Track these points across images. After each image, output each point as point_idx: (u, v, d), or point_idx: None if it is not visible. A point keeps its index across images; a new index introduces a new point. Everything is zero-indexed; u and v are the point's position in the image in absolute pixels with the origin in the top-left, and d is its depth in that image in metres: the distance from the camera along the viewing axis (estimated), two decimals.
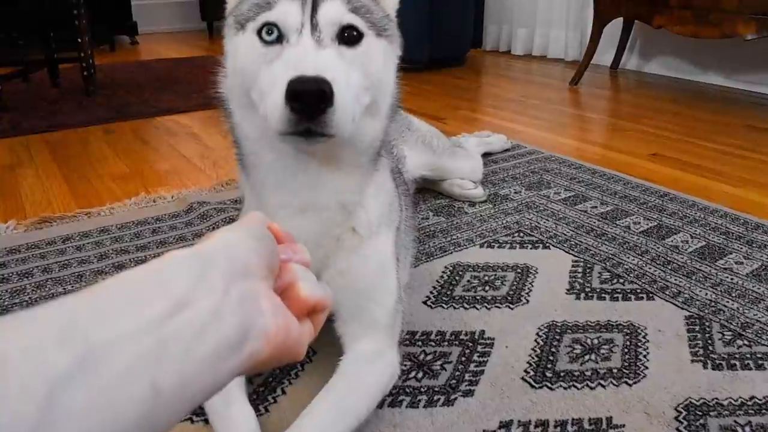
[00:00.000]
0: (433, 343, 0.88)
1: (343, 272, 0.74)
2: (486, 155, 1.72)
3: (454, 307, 0.98)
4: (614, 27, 2.91)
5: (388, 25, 0.70)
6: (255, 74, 0.63)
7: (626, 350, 0.87)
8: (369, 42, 0.66)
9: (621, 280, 1.06)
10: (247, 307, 0.34)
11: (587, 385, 0.80)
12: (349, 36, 0.64)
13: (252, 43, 0.64)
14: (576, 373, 0.82)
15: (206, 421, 0.73)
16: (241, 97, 0.67)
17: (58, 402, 0.24)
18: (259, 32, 0.64)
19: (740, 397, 0.77)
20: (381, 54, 0.68)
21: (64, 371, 0.25)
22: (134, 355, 0.27)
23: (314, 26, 0.62)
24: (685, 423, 0.73)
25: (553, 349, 0.87)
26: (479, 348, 0.87)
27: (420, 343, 0.89)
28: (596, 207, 1.39)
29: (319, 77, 0.55)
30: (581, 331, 0.92)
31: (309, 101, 0.55)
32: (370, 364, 0.74)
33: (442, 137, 1.46)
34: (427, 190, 1.48)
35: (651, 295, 1.02)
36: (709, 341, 0.89)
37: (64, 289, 1.05)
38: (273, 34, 0.63)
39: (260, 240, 0.39)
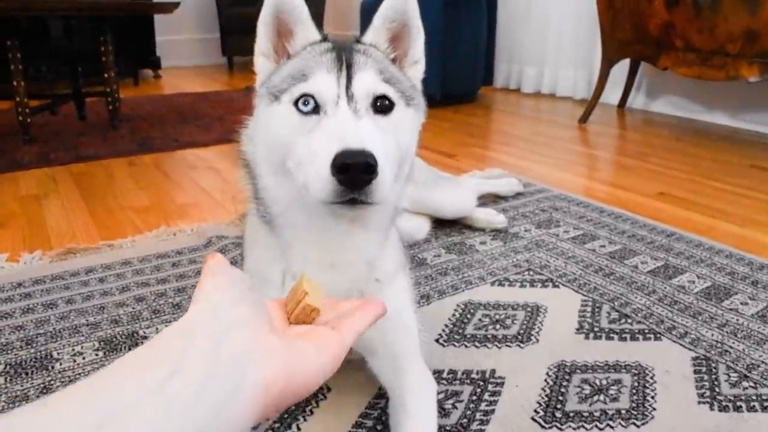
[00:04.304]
0: (444, 382, 0.91)
1: None
2: (496, 196, 1.76)
3: (466, 346, 1.01)
4: (621, 67, 2.99)
5: (414, 95, 0.73)
6: (292, 144, 0.65)
7: (634, 391, 0.89)
8: (400, 111, 0.68)
9: (629, 320, 1.09)
10: (239, 361, 0.38)
11: (596, 426, 0.82)
12: (381, 105, 0.66)
13: (288, 113, 0.66)
14: (585, 414, 0.84)
15: None
16: (276, 165, 0.69)
17: None
18: (295, 103, 0.66)
19: None
20: (409, 123, 0.70)
21: None
22: (144, 417, 0.32)
23: (350, 97, 0.64)
24: None
25: (563, 389, 0.89)
26: (490, 387, 0.90)
27: None
28: (604, 246, 1.43)
29: (365, 150, 0.57)
30: (590, 371, 0.94)
31: (356, 173, 0.57)
32: (419, 393, 0.77)
33: (424, 169, 1.47)
34: (438, 228, 1.52)
35: (658, 335, 1.04)
36: (716, 382, 0.91)
37: (87, 320, 1.09)
38: (309, 105, 0.65)
39: (242, 284, 0.43)
